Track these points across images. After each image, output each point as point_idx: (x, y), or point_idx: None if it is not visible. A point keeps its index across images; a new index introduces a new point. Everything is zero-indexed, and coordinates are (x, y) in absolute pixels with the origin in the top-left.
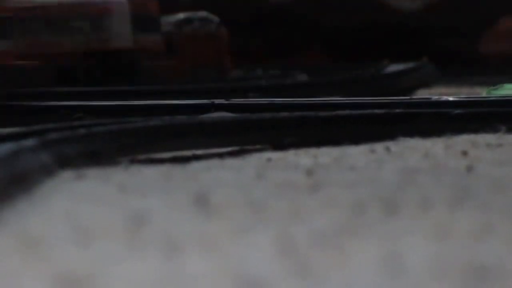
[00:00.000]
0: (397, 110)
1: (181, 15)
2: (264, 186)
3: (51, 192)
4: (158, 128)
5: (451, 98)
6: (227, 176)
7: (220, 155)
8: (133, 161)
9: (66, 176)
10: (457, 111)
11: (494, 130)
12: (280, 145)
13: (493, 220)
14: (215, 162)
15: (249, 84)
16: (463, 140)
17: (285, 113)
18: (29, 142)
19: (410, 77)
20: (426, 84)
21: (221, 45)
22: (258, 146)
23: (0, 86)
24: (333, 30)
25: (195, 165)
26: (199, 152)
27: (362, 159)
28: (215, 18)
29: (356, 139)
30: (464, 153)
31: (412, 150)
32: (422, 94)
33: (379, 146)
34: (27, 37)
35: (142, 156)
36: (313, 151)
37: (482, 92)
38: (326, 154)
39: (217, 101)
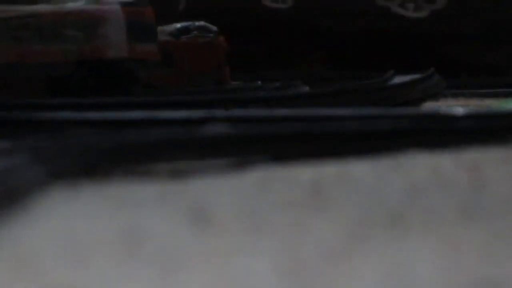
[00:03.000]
0: (405, 124)
1: (178, 25)
2: (266, 201)
3: (46, 208)
4: (156, 141)
5: (460, 111)
6: (227, 190)
7: (220, 169)
8: (129, 175)
9: (60, 191)
10: (467, 124)
11: (505, 143)
12: (282, 158)
13: (503, 234)
14: (214, 176)
15: (249, 95)
16: (473, 154)
17: (287, 125)
18: (21, 157)
19: (417, 89)
20: (433, 96)
21: (219, 54)
22: (259, 159)
23: None
24: (334, 37)
25: (194, 180)
26: (198, 165)
27: (367, 173)
28: (213, 27)
29: (361, 153)
30: (474, 167)
31: (419, 165)
32: (429, 106)
33: (385, 160)
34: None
35: (139, 170)
36: (316, 164)
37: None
38: (330, 168)
39: (216, 112)
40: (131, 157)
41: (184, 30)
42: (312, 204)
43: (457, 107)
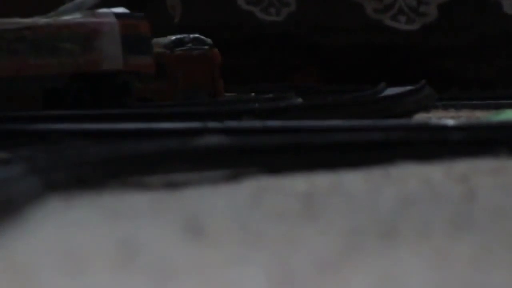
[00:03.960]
0: (396, 135)
1: (173, 37)
2: (259, 212)
3: (39, 219)
4: (150, 152)
5: (451, 122)
6: (221, 202)
7: (214, 180)
8: (124, 187)
9: (55, 202)
10: (458, 135)
11: (495, 155)
12: (275, 170)
13: (494, 248)
14: (208, 187)
15: (243, 107)
16: (463, 165)
17: (281, 137)
18: (17, 167)
19: (408, 101)
20: (424, 107)
21: (213, 67)
22: (252, 171)
23: None
24: (327, 50)
25: (188, 191)
26: (191, 176)
27: (359, 184)
28: (208, 40)
29: (353, 164)
30: (465, 179)
31: (411, 176)
32: (420, 117)
33: (377, 172)
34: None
35: (133, 181)
36: (309, 176)
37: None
38: (322, 179)
39: (210, 124)
40: (126, 168)
41: (179, 43)
42: (305, 215)
43: (448, 118)
